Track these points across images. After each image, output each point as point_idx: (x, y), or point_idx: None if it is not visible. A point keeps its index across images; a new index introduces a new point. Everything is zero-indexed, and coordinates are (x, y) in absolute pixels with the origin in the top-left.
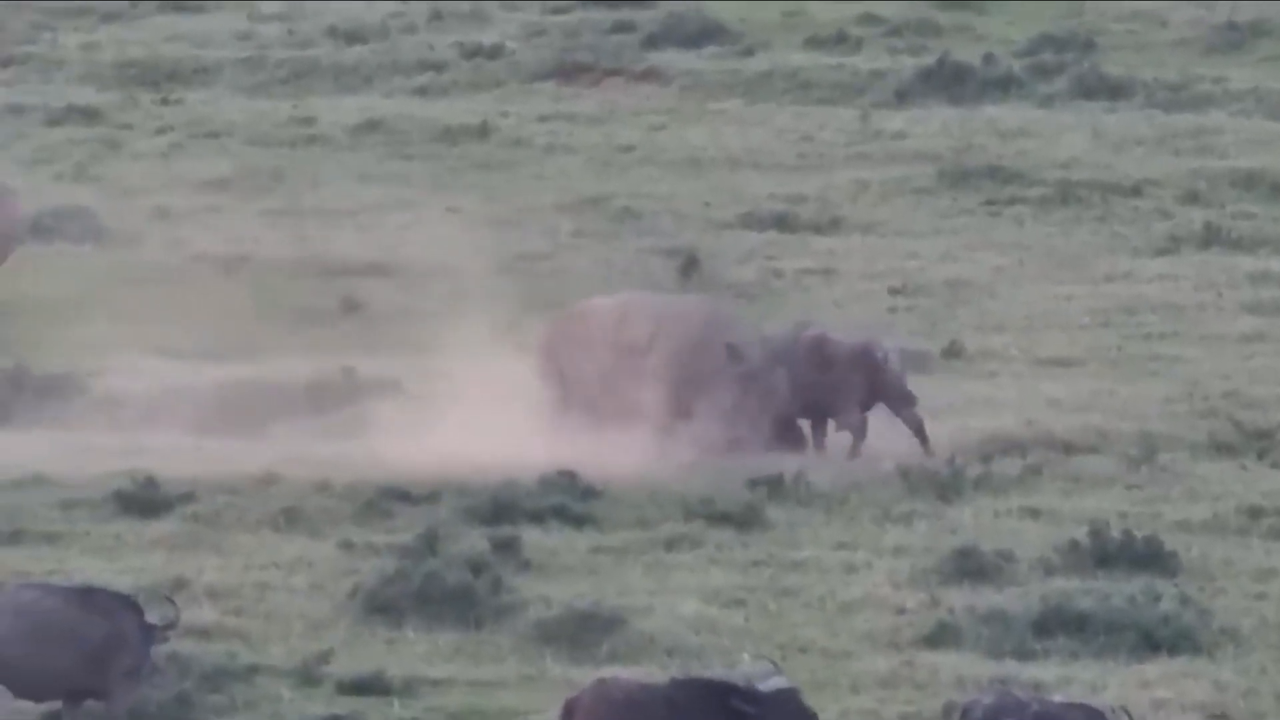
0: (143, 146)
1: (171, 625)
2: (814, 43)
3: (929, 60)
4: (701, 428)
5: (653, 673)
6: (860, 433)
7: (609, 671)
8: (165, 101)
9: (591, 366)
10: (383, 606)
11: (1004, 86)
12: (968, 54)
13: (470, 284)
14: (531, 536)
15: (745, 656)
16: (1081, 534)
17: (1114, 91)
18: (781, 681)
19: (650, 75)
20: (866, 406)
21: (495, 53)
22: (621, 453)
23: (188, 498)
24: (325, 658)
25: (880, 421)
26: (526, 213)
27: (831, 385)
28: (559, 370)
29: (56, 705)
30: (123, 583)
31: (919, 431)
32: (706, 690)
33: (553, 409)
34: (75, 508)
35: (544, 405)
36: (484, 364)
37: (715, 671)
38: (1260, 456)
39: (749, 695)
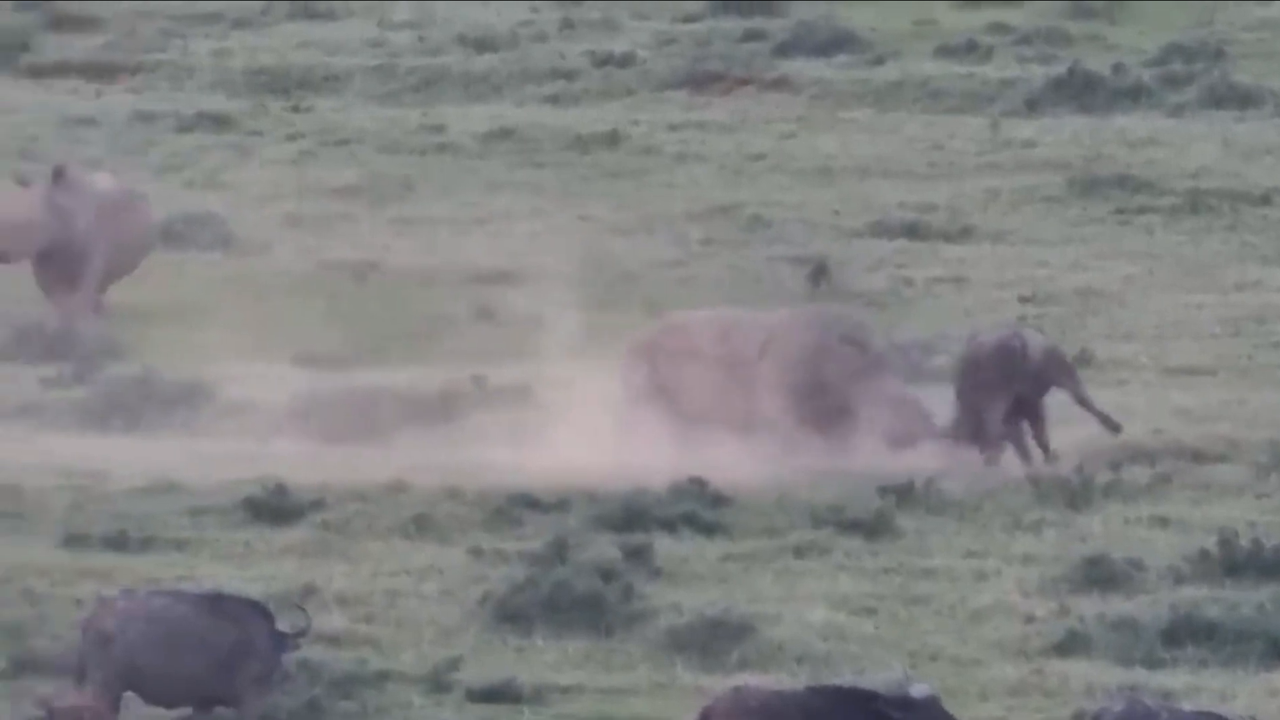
0: (273, 153)
1: (303, 633)
2: (944, 51)
3: (1059, 69)
4: (827, 435)
5: (783, 679)
6: (996, 437)
7: (739, 679)
8: (296, 109)
9: (695, 378)
10: (512, 614)
11: (1134, 95)
12: (1098, 63)
13: (600, 292)
14: (662, 544)
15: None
16: (1211, 543)
17: (1244, 100)
18: (926, 688)
19: (781, 84)
20: (1015, 405)
21: (626, 61)
22: (743, 461)
23: (318, 505)
24: (455, 665)
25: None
26: (656, 221)
27: (974, 386)
28: (653, 381)
29: (188, 712)
30: (253, 590)
31: (1096, 413)
32: (846, 697)
33: (643, 418)
34: (205, 515)
35: (635, 414)
36: (613, 371)
37: (847, 678)
38: None
39: (898, 701)
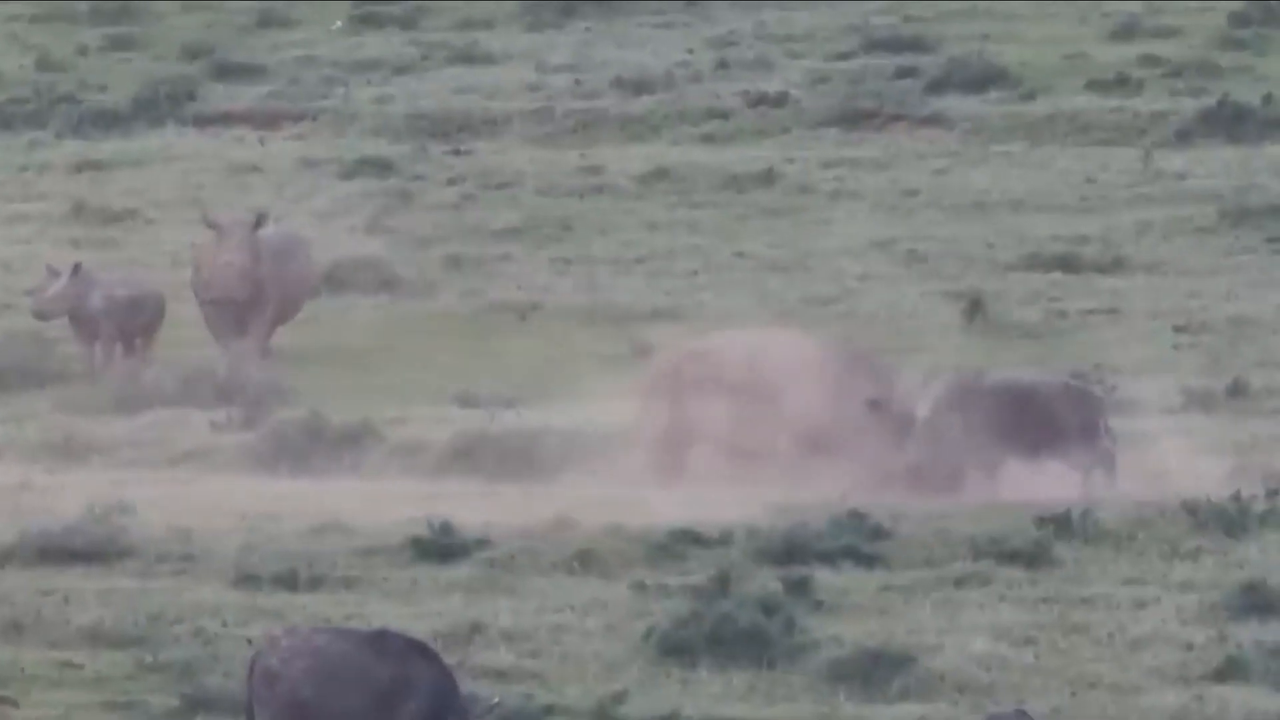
0: (434, 197)
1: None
2: (1095, 85)
3: (1209, 101)
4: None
5: (943, 710)
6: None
7: (901, 710)
8: (456, 152)
9: (720, 408)
10: (676, 647)
11: None
12: (1248, 94)
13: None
14: (822, 576)
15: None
16: None
17: None
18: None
19: (933, 120)
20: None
21: (780, 100)
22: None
23: (483, 543)
24: (620, 699)
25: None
26: (813, 257)
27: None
28: (676, 411)
29: None
30: (420, 627)
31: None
32: None
33: (661, 448)
34: (373, 554)
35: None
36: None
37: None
38: None
39: None
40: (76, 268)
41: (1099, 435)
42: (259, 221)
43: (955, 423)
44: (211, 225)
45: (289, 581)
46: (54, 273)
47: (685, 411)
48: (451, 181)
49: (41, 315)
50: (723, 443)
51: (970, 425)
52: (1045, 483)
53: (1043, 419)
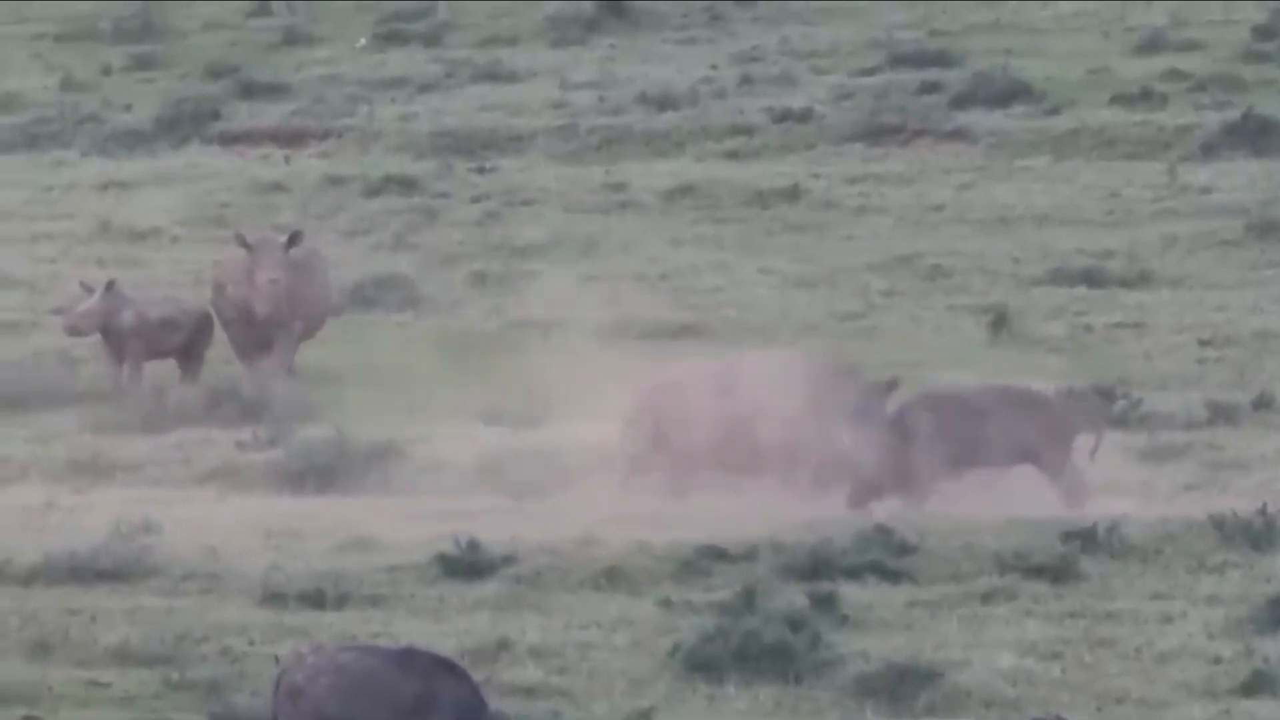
0: (459, 215)
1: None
2: (1119, 99)
3: (1234, 114)
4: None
5: None
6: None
7: None
8: (481, 170)
9: (699, 436)
10: (703, 663)
11: None
12: (1273, 107)
13: (784, 344)
14: (848, 592)
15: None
16: None
17: None
18: None
19: (958, 135)
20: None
21: (805, 116)
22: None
23: (509, 560)
24: (648, 715)
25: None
26: (838, 273)
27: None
28: (658, 438)
29: None
30: (448, 644)
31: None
32: None
33: (640, 476)
34: (400, 571)
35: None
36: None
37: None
38: None
39: None
40: (110, 285)
41: (1066, 451)
42: (292, 240)
43: (919, 430)
44: (244, 244)
45: (315, 600)
46: (87, 289)
47: (664, 438)
48: (476, 199)
49: (74, 331)
50: (703, 467)
51: (932, 433)
52: (1016, 494)
53: (1006, 429)
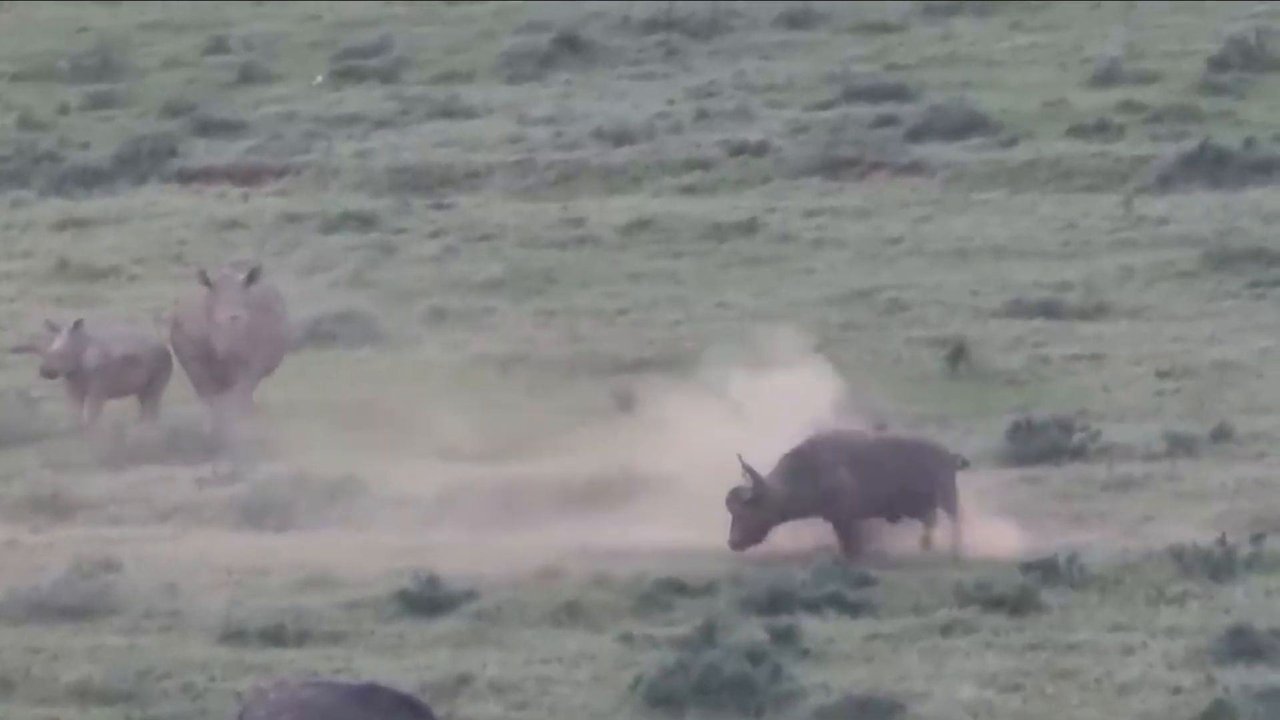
0: (417, 250)
1: None
2: (1076, 131)
3: (1190, 146)
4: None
5: None
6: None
7: None
8: (438, 206)
9: None
10: (664, 698)
11: (1266, 170)
12: (1229, 139)
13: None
14: (809, 625)
15: None
16: None
17: None
18: None
19: (914, 168)
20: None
21: (761, 150)
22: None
23: (470, 595)
24: None
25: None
26: (796, 306)
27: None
28: None
29: None
30: (409, 680)
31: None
32: None
33: None
34: (360, 607)
35: None
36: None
37: None
38: None
39: None
40: (78, 324)
41: (936, 499)
42: (251, 276)
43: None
44: (205, 282)
45: (276, 636)
46: (53, 327)
47: None
48: (434, 234)
49: (50, 373)
50: None
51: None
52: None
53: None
